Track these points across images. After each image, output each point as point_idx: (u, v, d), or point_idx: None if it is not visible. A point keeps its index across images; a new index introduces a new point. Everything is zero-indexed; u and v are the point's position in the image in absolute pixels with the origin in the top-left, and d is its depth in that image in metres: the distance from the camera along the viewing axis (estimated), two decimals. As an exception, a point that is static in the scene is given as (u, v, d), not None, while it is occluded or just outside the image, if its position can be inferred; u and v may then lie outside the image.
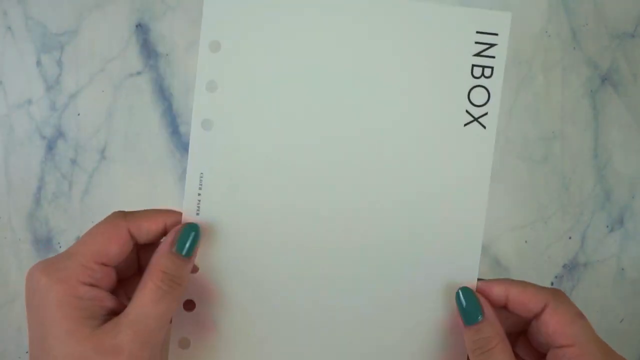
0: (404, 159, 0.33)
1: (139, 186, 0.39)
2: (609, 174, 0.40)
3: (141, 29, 0.39)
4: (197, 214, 0.32)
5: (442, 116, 0.33)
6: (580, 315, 0.29)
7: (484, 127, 0.33)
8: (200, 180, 0.32)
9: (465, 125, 0.33)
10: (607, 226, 0.40)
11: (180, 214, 0.31)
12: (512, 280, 0.32)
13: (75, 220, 0.39)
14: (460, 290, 0.33)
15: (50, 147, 0.39)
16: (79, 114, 0.39)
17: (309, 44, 0.33)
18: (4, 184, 0.40)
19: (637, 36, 0.40)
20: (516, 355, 0.33)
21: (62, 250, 0.39)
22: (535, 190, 0.39)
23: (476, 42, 0.33)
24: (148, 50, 0.39)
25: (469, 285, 0.33)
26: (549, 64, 0.39)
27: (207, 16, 0.33)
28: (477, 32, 0.33)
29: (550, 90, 0.39)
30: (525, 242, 0.39)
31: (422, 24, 0.33)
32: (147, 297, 0.27)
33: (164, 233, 0.30)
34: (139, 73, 0.39)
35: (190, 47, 0.39)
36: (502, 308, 0.31)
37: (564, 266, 0.39)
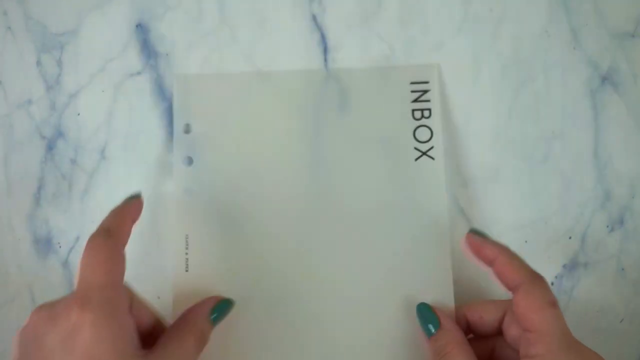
0: (366, 197, 0.37)
1: (139, 186, 0.39)
2: (609, 174, 0.40)
3: (141, 29, 0.39)
4: (187, 270, 0.36)
5: (395, 155, 0.37)
6: (551, 304, 0.29)
7: (433, 158, 0.37)
8: (186, 241, 0.37)
9: (416, 159, 0.37)
10: (607, 226, 0.40)
11: (133, 198, 0.33)
12: (505, 249, 0.33)
13: (75, 220, 0.39)
14: (418, 306, 0.34)
15: (50, 147, 0.39)
16: (79, 114, 0.39)
17: (269, 121, 0.38)
18: (3, 184, 0.40)
19: (637, 36, 0.40)
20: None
21: (62, 250, 0.39)
22: (535, 190, 0.39)
23: (412, 91, 0.38)
24: (148, 50, 0.39)
25: (447, 309, 0.35)
26: (549, 64, 0.39)
27: (177, 101, 0.38)
28: (412, 83, 0.38)
29: (550, 90, 0.39)
30: (525, 242, 0.39)
31: (368, 88, 0.38)
32: (189, 346, 0.29)
33: (134, 221, 0.32)
34: (139, 73, 0.39)
35: (190, 46, 0.39)
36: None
37: (564, 266, 0.39)
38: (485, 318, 0.33)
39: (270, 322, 0.36)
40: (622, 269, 0.40)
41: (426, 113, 0.38)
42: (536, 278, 0.31)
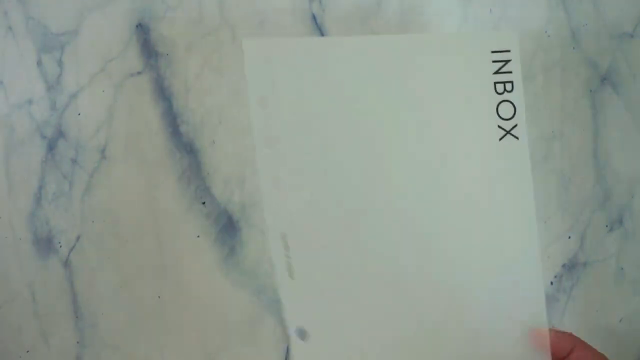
0: (449, 182, 0.33)
1: (139, 186, 0.39)
2: (608, 174, 0.40)
3: (141, 29, 0.39)
4: (292, 277, 0.31)
5: (478, 135, 0.34)
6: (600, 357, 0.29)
7: (517, 138, 0.34)
8: (285, 242, 0.32)
9: (500, 139, 0.34)
10: (607, 226, 0.40)
11: None
12: (580, 340, 0.31)
13: (76, 220, 0.39)
14: None
15: (51, 146, 0.39)
16: (79, 114, 0.39)
17: (349, 90, 0.33)
18: (4, 184, 0.40)
19: (637, 36, 0.40)
20: None
21: (63, 249, 0.39)
22: (535, 190, 0.39)
23: (493, 61, 0.34)
24: (148, 50, 0.39)
25: (540, 327, 0.31)
26: (548, 64, 0.40)
27: (251, 75, 0.32)
28: (493, 52, 0.34)
29: (550, 90, 0.40)
30: (525, 241, 0.39)
31: (444, 54, 0.34)
32: None
33: None
34: (139, 73, 0.39)
35: (190, 47, 0.39)
36: None
37: (564, 266, 0.39)
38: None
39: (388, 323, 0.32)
40: (621, 269, 0.40)
41: (508, 86, 0.34)
42: (584, 345, 0.30)
